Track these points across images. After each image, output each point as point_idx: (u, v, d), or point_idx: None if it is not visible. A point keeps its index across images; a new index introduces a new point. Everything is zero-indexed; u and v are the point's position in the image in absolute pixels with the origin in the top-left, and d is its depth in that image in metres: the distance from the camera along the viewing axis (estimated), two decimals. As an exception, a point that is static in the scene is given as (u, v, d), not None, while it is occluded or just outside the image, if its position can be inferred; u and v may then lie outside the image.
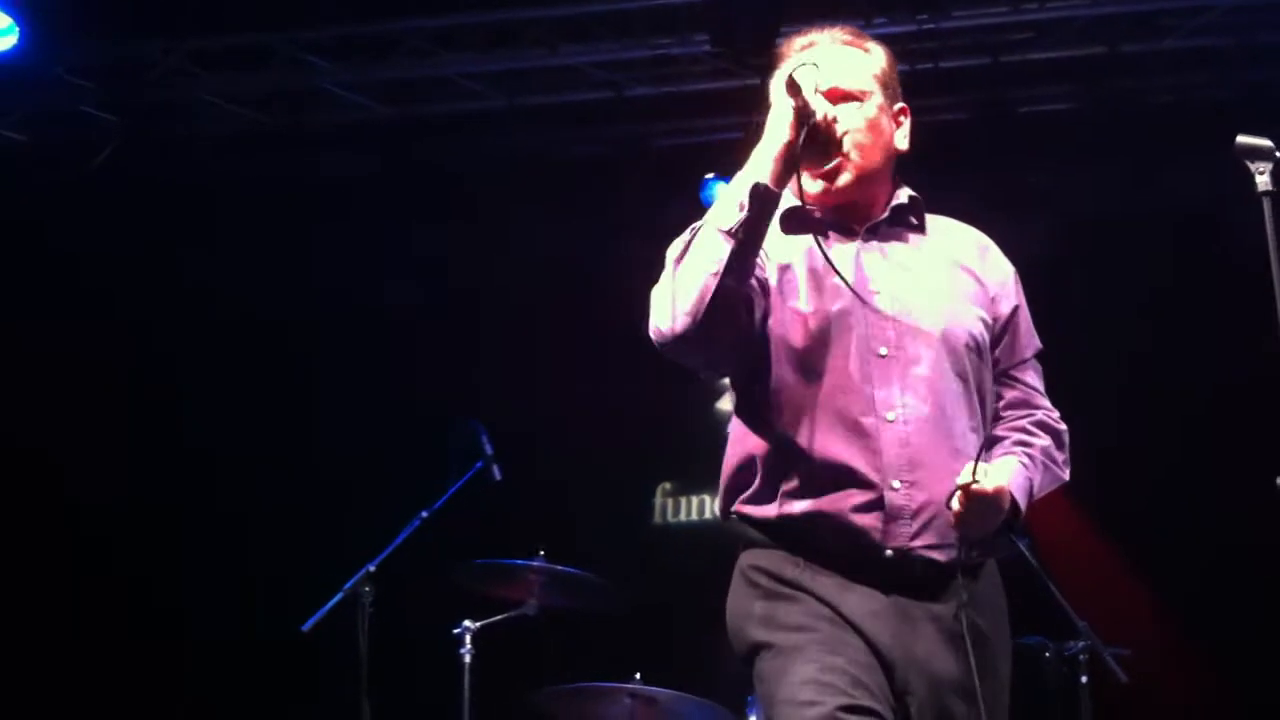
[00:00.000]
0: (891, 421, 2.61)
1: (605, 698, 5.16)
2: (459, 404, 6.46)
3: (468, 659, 5.18)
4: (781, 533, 2.65)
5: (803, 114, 2.54)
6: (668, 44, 6.40)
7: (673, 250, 2.61)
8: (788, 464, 2.63)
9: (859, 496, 2.59)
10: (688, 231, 2.61)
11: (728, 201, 2.54)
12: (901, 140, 2.80)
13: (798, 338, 2.65)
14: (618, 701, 5.10)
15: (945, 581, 2.62)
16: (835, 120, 2.60)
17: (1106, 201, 6.56)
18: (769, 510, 2.66)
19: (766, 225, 2.56)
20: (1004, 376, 2.82)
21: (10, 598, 6.78)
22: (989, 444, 2.73)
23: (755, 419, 2.69)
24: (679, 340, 2.54)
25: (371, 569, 5.16)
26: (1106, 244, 6.48)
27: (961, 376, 2.69)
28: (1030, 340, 2.87)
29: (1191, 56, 6.35)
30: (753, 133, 2.78)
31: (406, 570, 5.23)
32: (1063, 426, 2.86)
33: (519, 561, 5.20)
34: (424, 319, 7.13)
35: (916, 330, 2.67)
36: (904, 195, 2.81)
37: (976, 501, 2.57)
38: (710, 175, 6.69)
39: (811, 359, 2.63)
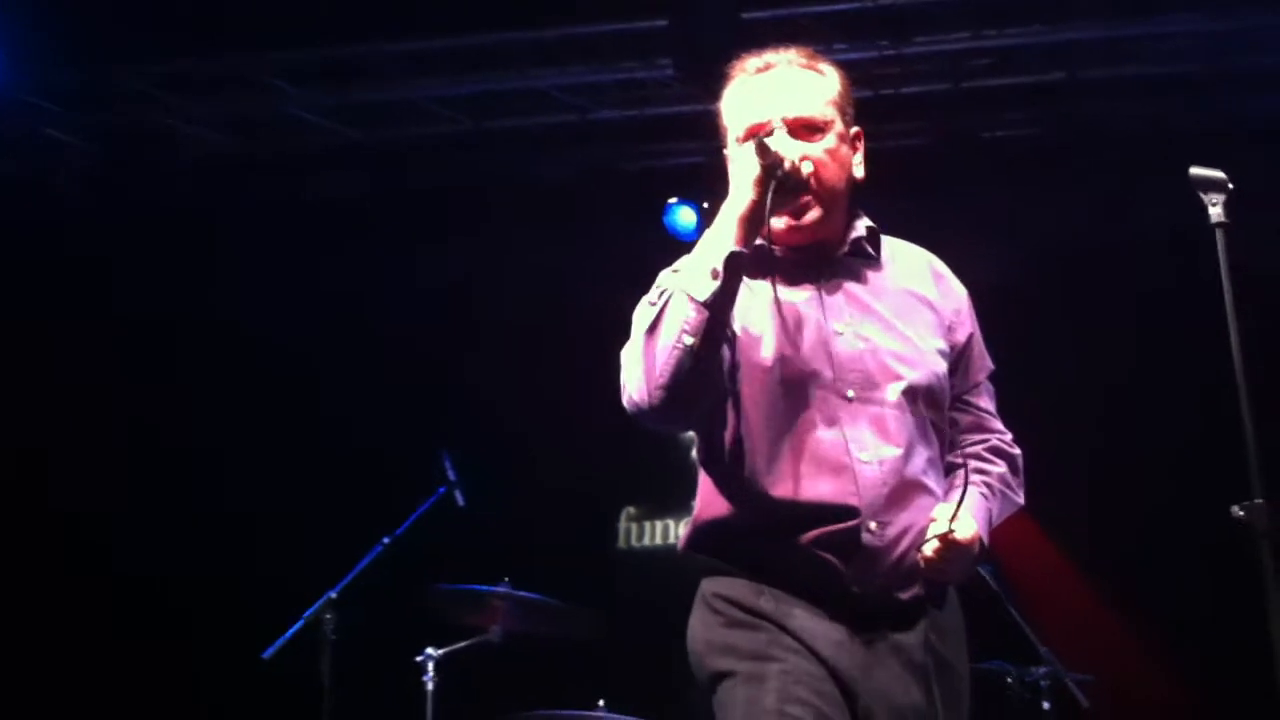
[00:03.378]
0: (866, 462, 2.58)
1: (570, 725, 5.13)
2: (424, 429, 6.44)
3: (431, 686, 5.15)
4: (748, 565, 2.62)
5: (771, 170, 2.52)
6: (634, 68, 6.41)
7: (641, 318, 2.56)
8: (765, 506, 2.59)
9: (834, 536, 2.56)
10: (654, 294, 2.57)
11: (699, 267, 2.49)
12: (859, 167, 2.77)
13: (767, 383, 2.61)
14: (583, 729, 5.08)
15: (908, 613, 2.61)
16: (801, 163, 2.59)
17: (1070, 226, 6.58)
18: (739, 545, 2.63)
19: (738, 288, 2.52)
20: (958, 401, 2.80)
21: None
22: (945, 471, 2.72)
23: (726, 464, 2.64)
24: (655, 411, 2.52)
25: (334, 595, 5.14)
26: (1071, 269, 6.50)
27: (924, 410, 2.67)
28: (983, 364, 2.85)
29: (1153, 82, 6.39)
30: (718, 162, 2.75)
31: (369, 597, 5.19)
32: (1016, 451, 2.85)
33: (483, 588, 5.17)
34: (387, 345, 7.09)
35: (882, 369, 2.65)
36: (862, 227, 2.78)
37: (952, 550, 2.58)
38: (673, 200, 6.70)
39: (782, 403, 2.60)
